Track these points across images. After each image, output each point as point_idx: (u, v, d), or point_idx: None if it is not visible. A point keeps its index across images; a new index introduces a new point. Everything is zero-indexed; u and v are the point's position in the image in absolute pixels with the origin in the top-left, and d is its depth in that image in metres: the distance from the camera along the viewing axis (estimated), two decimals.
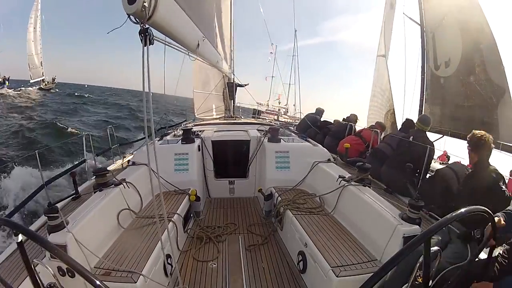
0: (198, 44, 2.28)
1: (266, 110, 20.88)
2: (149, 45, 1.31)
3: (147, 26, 1.33)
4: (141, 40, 1.31)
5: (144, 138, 4.82)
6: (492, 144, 2.12)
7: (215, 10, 4.72)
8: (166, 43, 1.74)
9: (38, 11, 34.08)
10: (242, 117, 7.06)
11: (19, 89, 35.16)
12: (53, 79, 39.00)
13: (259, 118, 11.23)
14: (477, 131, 2.15)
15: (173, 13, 1.63)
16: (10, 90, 33.00)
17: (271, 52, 25.22)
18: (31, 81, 36.63)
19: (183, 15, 1.85)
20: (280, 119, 13.21)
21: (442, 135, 4.64)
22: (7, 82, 33.92)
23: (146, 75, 1.30)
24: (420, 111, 5.03)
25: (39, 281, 1.08)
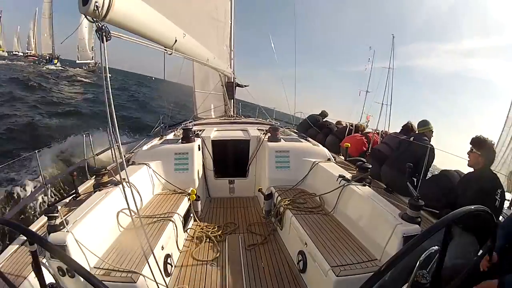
0: (176, 40, 2.24)
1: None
2: (106, 41, 1.35)
3: (103, 24, 1.37)
4: (98, 38, 1.35)
5: (144, 139, 4.80)
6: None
7: (206, 7, 4.67)
8: (127, 38, 1.72)
9: None
10: (243, 117, 7.04)
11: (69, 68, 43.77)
12: (96, 63, 43.85)
13: None
14: (485, 136, 2.18)
15: (136, 9, 1.62)
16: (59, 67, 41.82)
17: (369, 59, 19.32)
18: (77, 61, 43.35)
19: (151, 11, 1.83)
20: None
21: None
22: (55, 60, 42.43)
23: (107, 74, 1.32)
24: None
25: (38, 281, 1.08)
